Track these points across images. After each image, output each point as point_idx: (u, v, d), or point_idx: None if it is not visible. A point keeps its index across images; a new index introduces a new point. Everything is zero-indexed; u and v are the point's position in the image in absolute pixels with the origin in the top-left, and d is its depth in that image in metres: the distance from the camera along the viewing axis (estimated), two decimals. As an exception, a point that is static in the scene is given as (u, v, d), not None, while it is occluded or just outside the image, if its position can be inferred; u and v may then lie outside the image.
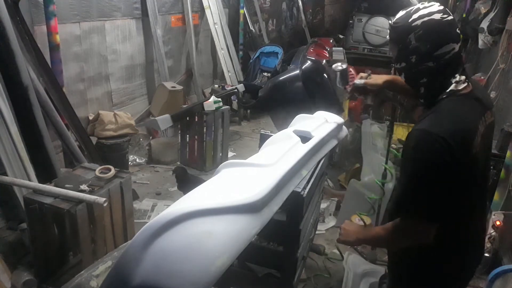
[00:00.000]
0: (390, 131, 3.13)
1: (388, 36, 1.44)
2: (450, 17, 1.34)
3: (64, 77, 3.51)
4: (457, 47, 1.35)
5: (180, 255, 0.81)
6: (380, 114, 5.12)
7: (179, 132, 4.62)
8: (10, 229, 2.81)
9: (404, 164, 1.40)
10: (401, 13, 1.41)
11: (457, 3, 6.61)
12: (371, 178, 3.54)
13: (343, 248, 3.24)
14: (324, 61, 4.95)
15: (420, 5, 1.38)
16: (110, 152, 3.82)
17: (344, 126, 1.72)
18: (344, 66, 2.06)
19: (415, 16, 1.35)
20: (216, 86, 5.90)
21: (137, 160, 4.51)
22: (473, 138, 1.33)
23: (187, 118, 4.38)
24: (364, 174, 3.63)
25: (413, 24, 1.34)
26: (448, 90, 1.37)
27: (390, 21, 1.44)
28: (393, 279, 1.67)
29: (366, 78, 1.95)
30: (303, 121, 1.57)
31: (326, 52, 5.81)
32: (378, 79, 1.93)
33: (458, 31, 1.37)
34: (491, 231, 2.75)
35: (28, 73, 2.81)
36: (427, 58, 1.35)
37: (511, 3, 3.87)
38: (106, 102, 4.51)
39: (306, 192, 2.14)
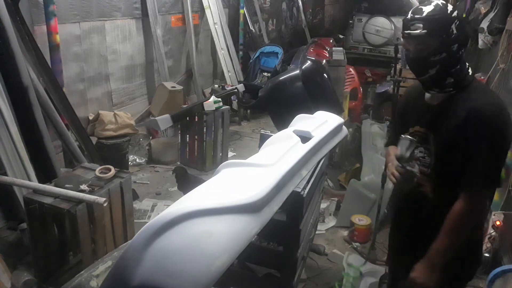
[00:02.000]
0: (390, 131, 3.12)
1: (421, 30, 1.44)
2: None
3: (64, 77, 3.52)
4: None
5: (180, 255, 0.81)
6: (380, 114, 5.13)
7: (179, 132, 4.63)
8: (10, 229, 2.81)
9: (477, 138, 1.43)
10: (429, 7, 1.45)
11: (457, 3, 6.61)
12: (371, 178, 3.54)
13: (343, 248, 3.24)
14: (324, 61, 4.95)
15: (438, 1, 1.47)
16: (110, 152, 3.82)
17: (344, 126, 1.72)
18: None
19: (450, 7, 1.45)
20: (216, 86, 5.90)
21: (137, 160, 4.51)
22: None
23: (187, 118, 4.38)
24: (364, 174, 3.63)
25: (453, 15, 1.44)
26: (471, 74, 1.52)
27: (418, 15, 1.45)
28: None
29: None
30: (303, 121, 1.57)
31: (326, 52, 5.81)
32: None
33: None
34: (491, 231, 2.75)
35: (28, 73, 2.81)
36: (464, 46, 1.48)
37: (511, 3, 3.87)
38: (106, 102, 4.51)
39: (306, 192, 2.14)
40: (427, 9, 1.45)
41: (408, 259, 1.72)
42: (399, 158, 1.56)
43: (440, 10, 1.44)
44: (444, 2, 1.48)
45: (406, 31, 1.48)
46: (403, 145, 1.57)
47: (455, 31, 1.43)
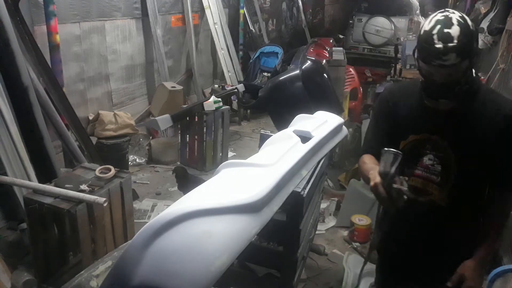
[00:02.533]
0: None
1: (455, 59, 1.31)
2: None
3: (64, 77, 3.51)
4: None
5: (180, 255, 0.81)
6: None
7: (179, 132, 4.63)
8: (10, 229, 2.81)
9: None
10: (456, 29, 1.31)
11: (457, 3, 6.62)
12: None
13: (343, 248, 3.24)
14: (324, 61, 4.95)
15: (450, 13, 1.36)
16: (110, 152, 3.82)
17: (344, 126, 1.72)
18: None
19: (469, 21, 1.35)
20: (216, 86, 5.90)
21: (137, 160, 4.51)
22: None
23: (187, 118, 4.38)
24: (364, 174, 3.62)
25: (474, 29, 1.36)
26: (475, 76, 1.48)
27: (451, 43, 1.30)
28: None
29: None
30: (303, 121, 1.57)
31: (326, 52, 5.82)
32: None
33: None
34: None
35: (28, 73, 2.81)
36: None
37: (511, 3, 3.87)
38: (106, 102, 4.51)
39: (306, 192, 2.14)
40: (455, 33, 1.30)
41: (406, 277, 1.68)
42: (383, 175, 1.36)
43: (466, 30, 1.32)
44: (461, 15, 1.36)
45: (437, 62, 1.33)
46: (386, 160, 1.36)
47: (475, 44, 1.36)
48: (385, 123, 1.65)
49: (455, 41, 1.29)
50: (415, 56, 1.43)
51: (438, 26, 1.33)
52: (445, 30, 1.31)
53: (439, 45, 1.30)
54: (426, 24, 1.37)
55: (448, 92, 1.42)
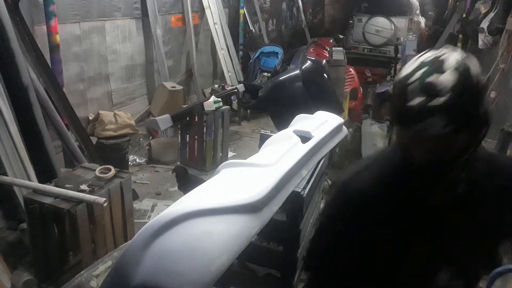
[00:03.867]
0: (390, 131, 3.13)
1: (439, 130, 0.82)
2: None
3: (64, 77, 3.51)
4: None
5: (180, 255, 0.81)
6: (380, 114, 5.13)
7: (179, 132, 4.63)
8: (10, 229, 2.81)
9: None
10: (447, 78, 0.83)
11: (457, 3, 6.62)
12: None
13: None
14: (324, 61, 4.95)
15: (448, 51, 0.89)
16: (110, 152, 3.82)
17: (344, 126, 1.72)
18: None
19: (474, 70, 0.87)
20: (216, 86, 5.90)
21: (137, 160, 4.51)
22: None
23: (187, 118, 4.38)
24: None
25: (481, 84, 0.91)
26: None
27: (434, 103, 0.82)
28: None
29: None
30: (303, 121, 1.57)
31: (326, 52, 5.82)
32: None
33: None
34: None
35: (28, 73, 2.81)
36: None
37: (511, 3, 3.88)
38: (106, 102, 4.51)
39: (306, 192, 2.14)
40: (446, 82, 0.82)
41: None
42: None
43: (467, 81, 0.83)
44: (466, 55, 0.88)
45: (414, 126, 0.85)
46: None
47: (481, 109, 0.87)
48: (363, 247, 1.04)
49: (444, 95, 0.81)
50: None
51: (423, 70, 0.84)
52: (427, 81, 0.83)
53: (416, 101, 0.82)
54: (408, 65, 0.89)
55: (436, 181, 0.93)
